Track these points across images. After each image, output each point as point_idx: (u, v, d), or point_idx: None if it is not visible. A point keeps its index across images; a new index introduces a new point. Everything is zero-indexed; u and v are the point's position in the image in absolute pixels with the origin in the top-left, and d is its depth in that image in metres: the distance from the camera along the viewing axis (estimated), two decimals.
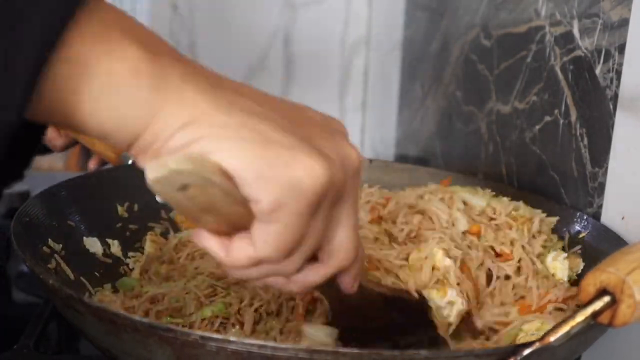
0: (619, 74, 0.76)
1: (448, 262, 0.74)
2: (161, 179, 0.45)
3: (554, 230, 0.84)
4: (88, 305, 0.60)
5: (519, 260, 0.78)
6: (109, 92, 0.45)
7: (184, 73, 0.48)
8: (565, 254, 0.79)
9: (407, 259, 0.77)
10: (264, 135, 0.47)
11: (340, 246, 0.54)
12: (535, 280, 0.76)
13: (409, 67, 1.43)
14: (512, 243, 0.79)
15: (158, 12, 1.63)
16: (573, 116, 0.85)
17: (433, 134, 1.29)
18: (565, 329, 0.55)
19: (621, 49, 0.75)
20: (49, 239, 0.78)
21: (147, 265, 0.83)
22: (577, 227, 0.82)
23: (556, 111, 0.89)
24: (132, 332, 0.58)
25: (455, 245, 0.77)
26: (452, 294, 0.72)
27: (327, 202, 0.51)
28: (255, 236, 0.50)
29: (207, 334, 0.55)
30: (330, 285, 0.58)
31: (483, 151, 1.08)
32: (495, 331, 0.73)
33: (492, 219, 0.83)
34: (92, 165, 1.02)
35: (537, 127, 0.93)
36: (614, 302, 0.55)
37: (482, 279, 0.76)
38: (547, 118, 0.91)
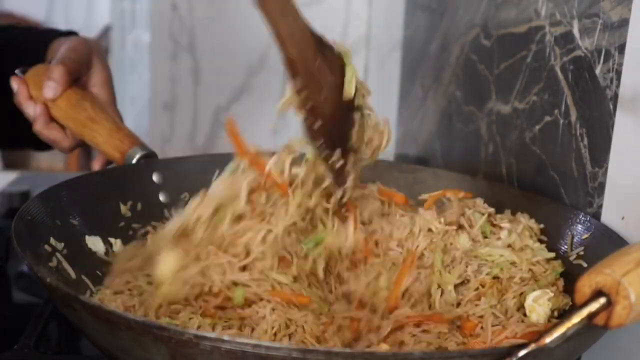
0: (619, 74, 0.76)
1: None
2: None
3: (555, 233, 0.84)
4: (84, 303, 0.61)
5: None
6: None
7: None
8: (551, 294, 0.75)
9: None
10: None
11: None
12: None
13: (409, 67, 1.43)
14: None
15: (158, 12, 1.63)
16: (573, 116, 0.85)
17: (433, 134, 1.29)
18: (561, 330, 0.55)
19: (621, 49, 0.75)
20: (51, 238, 0.78)
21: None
22: (580, 228, 0.82)
23: (556, 111, 0.89)
24: (127, 331, 0.58)
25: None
26: None
27: None
28: None
29: (201, 333, 0.55)
30: None
31: (483, 151, 1.08)
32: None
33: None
34: (96, 165, 1.02)
35: (537, 127, 0.93)
36: (609, 304, 0.55)
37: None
38: (547, 118, 0.91)
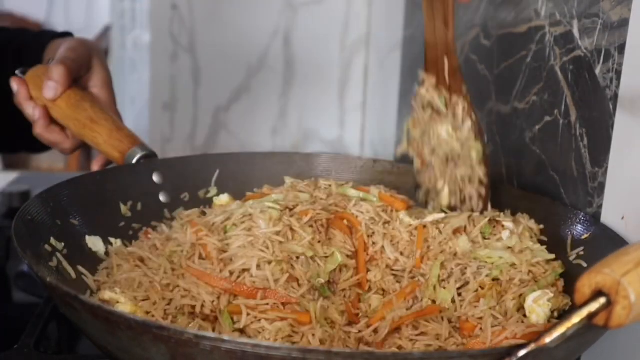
0: (618, 74, 0.76)
1: None
2: None
3: (555, 233, 0.84)
4: (84, 303, 0.61)
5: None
6: None
7: None
8: (551, 295, 0.75)
9: None
10: None
11: None
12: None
13: (409, 67, 1.43)
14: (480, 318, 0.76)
15: (158, 12, 1.63)
16: (573, 116, 0.85)
17: None
18: (561, 330, 0.55)
19: (621, 49, 0.75)
20: (51, 238, 0.78)
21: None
22: (580, 228, 0.82)
23: (556, 111, 0.89)
24: (127, 330, 0.58)
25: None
26: None
27: None
28: None
29: (201, 332, 0.55)
30: None
31: None
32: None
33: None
34: (95, 165, 1.02)
35: (537, 127, 0.93)
36: (609, 304, 0.55)
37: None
38: (547, 118, 0.91)
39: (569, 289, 0.78)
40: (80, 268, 0.78)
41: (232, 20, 1.61)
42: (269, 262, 0.74)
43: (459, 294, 0.77)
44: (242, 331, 0.69)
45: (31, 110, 1.00)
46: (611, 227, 0.78)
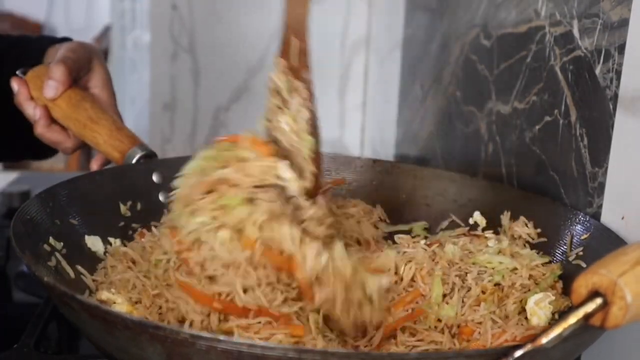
0: (618, 74, 0.76)
1: None
2: None
3: (555, 233, 0.84)
4: (82, 302, 0.61)
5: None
6: None
7: None
8: (552, 297, 0.75)
9: None
10: None
11: None
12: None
13: (409, 67, 1.43)
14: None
15: (158, 12, 1.64)
16: (573, 116, 0.85)
17: (433, 134, 1.29)
18: (557, 330, 0.55)
19: (621, 49, 0.75)
20: (50, 237, 0.78)
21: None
22: (579, 228, 0.82)
23: (556, 111, 0.89)
24: (124, 330, 0.58)
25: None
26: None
27: None
28: None
29: (196, 332, 0.55)
30: None
31: (483, 151, 1.08)
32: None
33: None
34: (95, 165, 1.02)
35: (537, 127, 0.93)
36: (605, 304, 0.55)
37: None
38: (547, 118, 0.91)
39: (568, 289, 0.78)
40: (79, 268, 0.78)
41: (232, 20, 1.61)
42: (258, 285, 0.69)
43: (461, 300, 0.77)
44: None
45: (32, 111, 1.00)
46: (611, 227, 0.78)
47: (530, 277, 0.79)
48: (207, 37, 1.63)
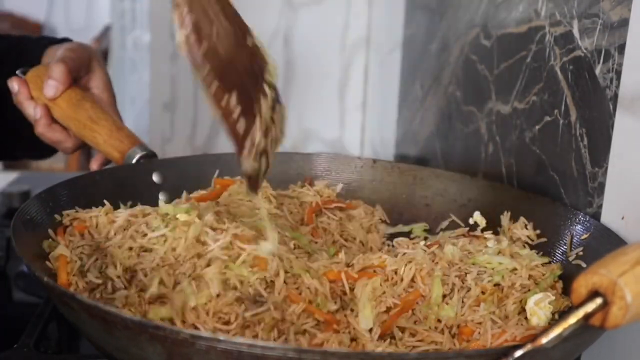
0: (618, 74, 0.76)
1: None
2: None
3: (555, 233, 0.84)
4: (81, 302, 0.61)
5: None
6: None
7: None
8: (552, 297, 0.75)
9: None
10: None
11: None
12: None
13: (409, 67, 1.43)
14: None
15: (158, 12, 1.63)
16: (573, 116, 0.85)
17: (433, 134, 1.29)
18: (557, 330, 0.55)
19: (621, 49, 0.75)
20: (50, 237, 0.78)
21: None
22: (579, 228, 0.82)
23: (556, 111, 0.89)
24: (123, 330, 0.58)
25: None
26: None
27: None
28: None
29: (196, 332, 0.55)
30: None
31: (483, 151, 1.08)
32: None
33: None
34: (94, 165, 1.02)
35: (537, 127, 0.93)
36: (605, 304, 0.55)
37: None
38: (547, 118, 0.91)
39: (568, 290, 0.78)
40: None
41: None
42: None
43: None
44: None
45: (32, 110, 1.00)
46: (611, 227, 0.78)
47: (530, 277, 0.79)
48: None
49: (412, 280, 0.77)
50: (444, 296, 0.76)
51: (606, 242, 0.76)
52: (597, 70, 0.80)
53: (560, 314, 0.76)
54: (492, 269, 0.79)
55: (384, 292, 0.75)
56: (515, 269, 0.79)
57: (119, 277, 0.72)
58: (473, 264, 0.79)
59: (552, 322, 0.56)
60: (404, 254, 0.80)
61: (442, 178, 0.98)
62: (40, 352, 0.76)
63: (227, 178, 0.95)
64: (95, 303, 0.62)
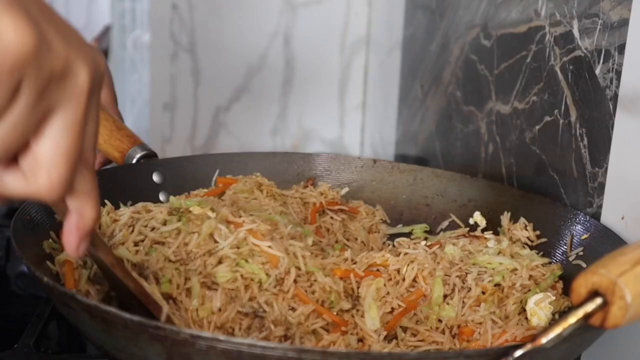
0: (618, 74, 0.76)
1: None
2: None
3: (555, 233, 0.84)
4: (81, 302, 0.61)
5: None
6: None
7: None
8: (552, 298, 0.75)
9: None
10: None
11: (43, 163, 0.44)
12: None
13: (409, 67, 1.43)
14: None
15: (158, 12, 1.63)
16: (573, 116, 0.85)
17: (433, 134, 1.29)
18: (557, 330, 0.55)
19: (621, 49, 0.75)
20: (50, 237, 0.78)
21: None
22: (579, 228, 0.82)
23: (556, 111, 0.89)
24: (123, 330, 0.58)
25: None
26: None
27: (34, 85, 0.41)
28: None
29: (196, 332, 0.55)
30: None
31: (483, 151, 1.08)
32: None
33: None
34: (95, 165, 1.02)
35: (537, 127, 0.93)
36: (605, 304, 0.55)
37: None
38: (547, 118, 0.91)
39: (568, 290, 0.78)
40: None
41: (232, 20, 1.61)
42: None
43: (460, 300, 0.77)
44: None
45: None
46: (611, 227, 0.78)
47: (530, 277, 0.79)
48: (207, 37, 1.62)
49: (414, 280, 0.78)
50: (445, 296, 0.76)
51: (606, 242, 0.76)
52: (597, 70, 0.80)
53: (560, 314, 0.76)
54: (493, 269, 0.79)
55: (387, 293, 0.75)
56: (515, 269, 0.79)
57: None
58: (473, 264, 0.79)
59: (552, 322, 0.56)
60: (406, 253, 0.80)
61: (442, 178, 0.98)
62: (40, 352, 0.76)
63: (229, 177, 0.95)
64: (95, 303, 0.62)
